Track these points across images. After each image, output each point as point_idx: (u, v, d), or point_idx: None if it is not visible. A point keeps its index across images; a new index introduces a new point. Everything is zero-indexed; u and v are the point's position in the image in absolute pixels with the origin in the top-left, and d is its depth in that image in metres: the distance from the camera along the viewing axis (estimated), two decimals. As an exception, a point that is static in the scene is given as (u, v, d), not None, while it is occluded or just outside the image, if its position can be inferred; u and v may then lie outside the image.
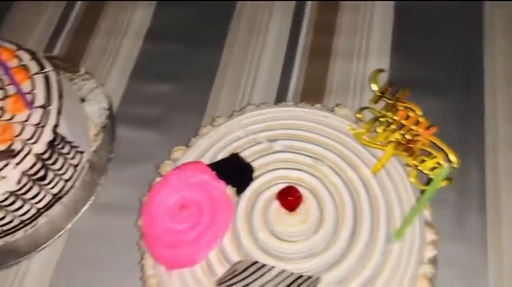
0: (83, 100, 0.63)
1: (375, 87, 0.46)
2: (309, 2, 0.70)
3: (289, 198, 0.46)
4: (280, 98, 0.62)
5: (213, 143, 0.53)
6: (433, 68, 0.63)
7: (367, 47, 0.66)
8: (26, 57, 0.57)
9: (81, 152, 0.58)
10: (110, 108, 0.63)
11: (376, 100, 0.47)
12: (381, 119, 0.46)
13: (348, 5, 0.69)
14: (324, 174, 0.48)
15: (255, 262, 0.44)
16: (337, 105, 0.53)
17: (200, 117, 0.62)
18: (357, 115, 0.49)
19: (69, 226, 0.57)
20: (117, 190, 0.58)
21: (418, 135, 0.44)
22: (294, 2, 0.70)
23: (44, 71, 0.56)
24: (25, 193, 0.52)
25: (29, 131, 0.52)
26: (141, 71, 0.67)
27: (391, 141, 0.46)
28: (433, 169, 0.45)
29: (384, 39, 0.66)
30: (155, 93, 0.65)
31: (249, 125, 0.53)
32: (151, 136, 0.62)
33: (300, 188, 0.47)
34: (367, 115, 0.49)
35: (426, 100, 0.57)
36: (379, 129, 0.47)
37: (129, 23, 0.71)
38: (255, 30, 0.68)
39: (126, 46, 0.69)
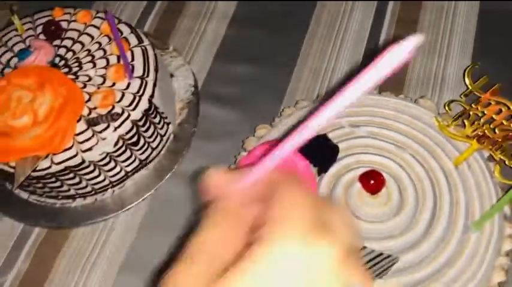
0: (171, 76, 0.67)
1: (467, 81, 0.47)
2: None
3: (372, 181, 0.48)
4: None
5: (297, 123, 0.55)
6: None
7: (449, 45, 0.67)
8: (125, 30, 0.61)
9: (168, 123, 0.62)
10: (195, 85, 0.66)
11: (466, 94, 0.48)
12: (470, 113, 0.47)
13: (431, 4, 0.70)
14: (407, 162, 0.50)
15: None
16: (422, 97, 0.55)
17: (280, 100, 0.65)
18: (446, 107, 0.50)
19: (152, 191, 0.61)
20: (198, 162, 0.61)
21: (509, 130, 0.45)
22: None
23: (143, 44, 0.60)
24: (119, 155, 0.56)
25: (128, 98, 0.56)
26: (225, 53, 0.70)
27: (477, 134, 0.47)
28: (522, 164, 0.46)
29: (466, 40, 0.67)
30: (237, 74, 0.68)
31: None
32: (233, 114, 0.65)
33: (382, 173, 0.49)
34: (455, 108, 0.51)
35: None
36: (467, 122, 0.48)
37: (216, 7, 0.74)
38: (337, 23, 0.70)
39: (211, 28, 0.72)
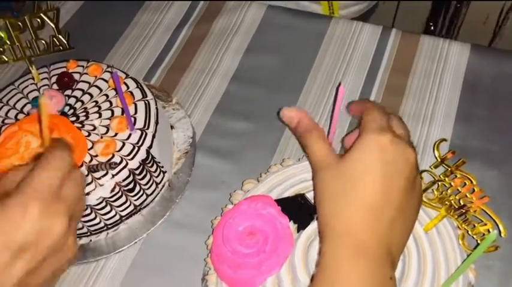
0: (172, 127, 0.72)
1: (437, 153, 0.51)
2: (382, 67, 0.76)
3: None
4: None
5: (282, 181, 0.59)
6: (492, 139, 0.67)
7: (433, 111, 0.71)
8: (132, 84, 0.66)
9: (164, 172, 0.66)
10: (193, 137, 0.71)
11: (436, 165, 0.52)
12: (438, 183, 0.51)
13: (419, 70, 0.75)
14: (379, 224, 0.53)
15: (307, 293, 0.49)
16: (399, 163, 0.58)
17: (271, 154, 0.69)
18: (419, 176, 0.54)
19: (144, 235, 0.64)
20: (190, 210, 0.65)
21: (471, 202, 0.48)
22: (368, 65, 0.76)
23: (146, 98, 0.65)
24: (114, 201, 0.61)
25: (127, 148, 0.61)
26: (224, 108, 0.75)
27: (445, 204, 0.51)
28: (482, 235, 0.49)
29: (450, 106, 0.71)
30: (233, 129, 0.73)
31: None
32: (226, 166, 0.69)
33: (355, 234, 0.52)
34: (426, 177, 0.54)
35: (483, 169, 0.62)
36: (436, 192, 0.51)
37: (219, 65, 0.80)
38: (328, 90, 0.75)
39: (213, 84, 0.77)
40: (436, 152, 0.51)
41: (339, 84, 0.45)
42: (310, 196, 0.56)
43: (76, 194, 0.41)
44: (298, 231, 0.54)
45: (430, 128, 0.69)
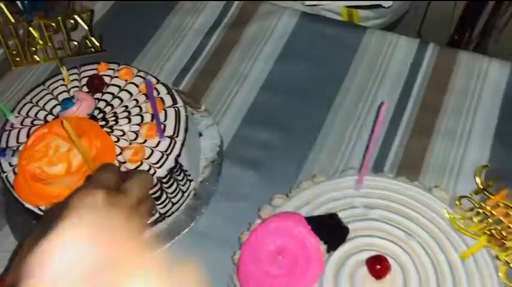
0: (200, 135, 0.70)
1: (478, 180, 0.49)
2: (418, 82, 0.74)
3: (378, 266, 0.49)
4: (377, 167, 0.66)
5: (312, 198, 0.57)
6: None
7: (470, 130, 0.69)
8: (163, 90, 0.65)
9: (191, 181, 0.65)
10: (220, 146, 0.70)
11: (477, 192, 0.49)
12: (478, 210, 0.49)
13: (456, 87, 0.73)
14: (414, 250, 0.51)
15: (337, 318, 0.47)
16: (436, 186, 0.56)
17: (299, 168, 0.68)
18: (456, 202, 0.52)
19: (168, 244, 0.63)
20: (215, 221, 0.64)
21: (514, 234, 0.46)
22: (403, 80, 0.74)
23: (176, 105, 0.64)
24: (141, 209, 0.60)
25: (156, 156, 0.60)
26: (253, 117, 0.73)
27: (485, 233, 0.48)
28: (524, 268, 0.47)
29: (488, 125, 0.69)
30: (262, 139, 0.71)
31: (348, 188, 0.57)
32: (253, 178, 0.67)
33: (389, 259, 0.50)
34: (465, 203, 0.52)
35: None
36: (475, 219, 0.49)
37: (249, 72, 0.78)
38: (361, 103, 0.73)
39: (243, 93, 0.76)
40: (478, 178, 0.49)
41: (382, 103, 0.43)
42: (341, 215, 0.54)
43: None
44: (328, 252, 0.52)
45: (467, 147, 0.67)
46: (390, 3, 0.92)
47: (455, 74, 0.74)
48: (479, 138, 0.68)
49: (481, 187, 0.48)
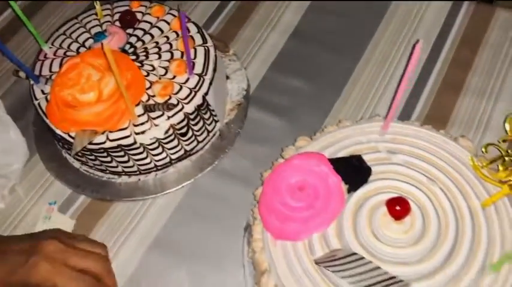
0: (227, 77, 0.71)
1: (507, 127, 0.49)
2: (450, 39, 0.72)
3: (398, 208, 0.50)
4: (404, 117, 0.66)
5: (336, 141, 0.58)
6: None
7: (501, 88, 0.68)
8: (193, 29, 0.66)
9: (217, 121, 0.66)
10: (247, 90, 0.70)
11: (505, 140, 0.49)
12: (505, 158, 0.49)
13: (489, 44, 0.71)
14: (435, 195, 0.52)
15: (354, 253, 0.48)
16: (462, 136, 0.56)
17: (325, 116, 0.68)
18: (482, 149, 0.52)
19: (192, 180, 0.65)
20: (239, 161, 0.65)
21: (540, 182, 0.46)
22: (435, 36, 0.73)
23: (206, 44, 0.64)
24: (167, 143, 0.61)
25: (184, 92, 0.60)
26: (280, 64, 0.74)
27: (509, 180, 0.48)
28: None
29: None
30: (288, 86, 0.71)
31: (372, 133, 0.58)
32: (278, 123, 0.68)
33: (409, 201, 0.50)
34: (492, 151, 0.52)
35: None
36: (501, 167, 0.49)
37: (279, 21, 0.78)
38: (390, 57, 0.72)
39: (271, 39, 0.76)
40: (507, 125, 0.49)
41: (417, 41, 0.42)
42: (366, 158, 0.55)
43: None
44: (348, 192, 0.53)
45: (496, 104, 0.66)
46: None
47: (490, 31, 0.72)
48: (509, 97, 0.67)
49: (510, 133, 0.48)
